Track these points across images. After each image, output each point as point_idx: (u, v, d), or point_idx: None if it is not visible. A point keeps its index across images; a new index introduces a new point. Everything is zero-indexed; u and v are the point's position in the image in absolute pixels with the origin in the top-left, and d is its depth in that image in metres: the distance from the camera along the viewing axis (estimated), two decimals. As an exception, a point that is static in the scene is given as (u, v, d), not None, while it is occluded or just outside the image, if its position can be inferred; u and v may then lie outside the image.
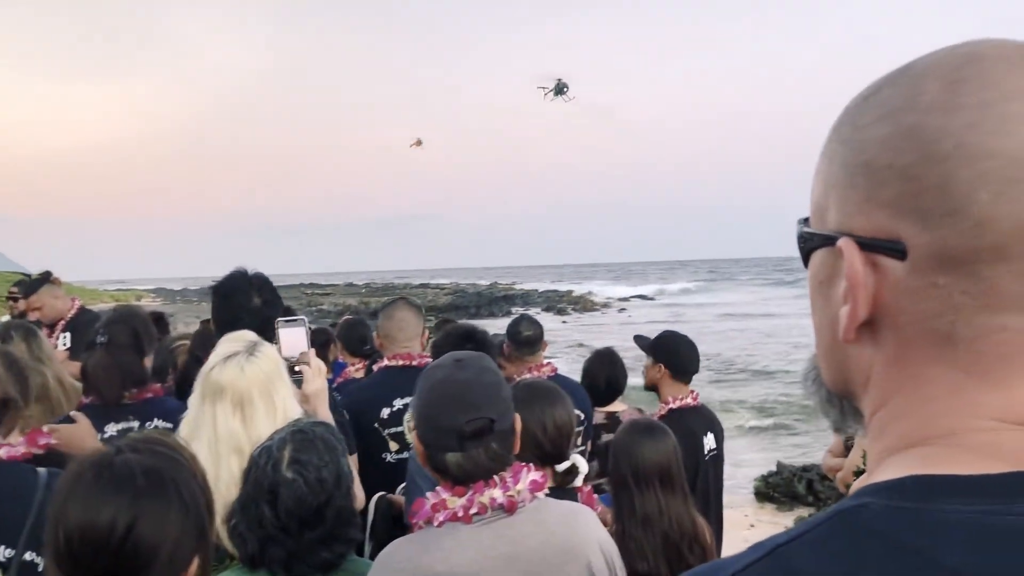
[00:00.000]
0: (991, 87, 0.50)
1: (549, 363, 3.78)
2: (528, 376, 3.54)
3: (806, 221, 0.60)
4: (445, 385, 1.65)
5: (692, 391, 3.45)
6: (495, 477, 1.63)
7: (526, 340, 3.71)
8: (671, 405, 3.39)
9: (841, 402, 0.63)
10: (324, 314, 28.73)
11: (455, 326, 3.31)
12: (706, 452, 3.34)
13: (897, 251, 0.52)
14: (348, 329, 4.99)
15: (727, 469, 3.82)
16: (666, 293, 51.35)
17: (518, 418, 1.73)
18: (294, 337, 2.38)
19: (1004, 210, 0.49)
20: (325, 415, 2.28)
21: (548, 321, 30.53)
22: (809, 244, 0.59)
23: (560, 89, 36.54)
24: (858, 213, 0.54)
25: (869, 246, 0.53)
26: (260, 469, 1.66)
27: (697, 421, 3.37)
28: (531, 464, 1.73)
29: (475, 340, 2.93)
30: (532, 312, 30.61)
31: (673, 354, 3.47)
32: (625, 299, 46.04)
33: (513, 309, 33.39)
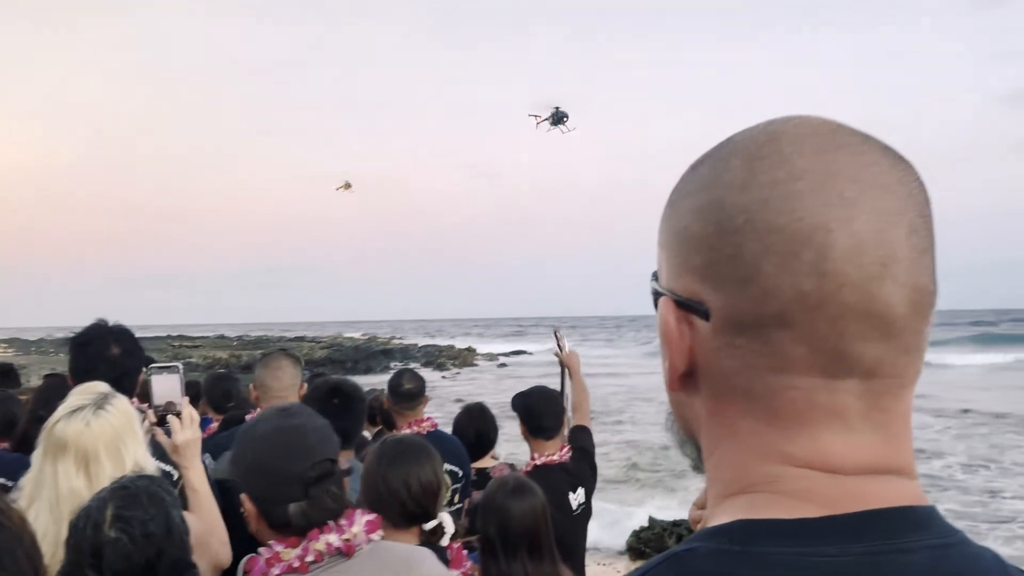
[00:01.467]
0: (782, 166, 0.55)
1: (429, 418, 3.74)
2: (408, 431, 3.50)
3: (655, 276, 0.64)
4: (279, 434, 1.63)
5: (563, 446, 3.45)
6: (329, 522, 1.60)
7: (407, 393, 3.67)
8: (535, 462, 3.38)
9: (696, 444, 0.67)
10: (192, 367, 27.52)
11: (322, 380, 3.24)
12: (573, 509, 3.35)
13: (702, 312, 0.57)
14: (213, 384, 4.80)
15: (600, 525, 3.85)
16: (549, 349, 51.82)
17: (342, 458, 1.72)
18: (167, 385, 2.29)
19: (785, 281, 0.53)
20: (195, 468, 2.20)
21: (428, 376, 30.20)
22: (654, 298, 0.63)
23: (559, 118, 34.82)
24: (677, 275, 0.59)
25: (683, 305, 0.59)
26: (80, 533, 1.57)
27: (562, 478, 3.36)
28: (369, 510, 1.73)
29: (342, 394, 2.88)
30: (412, 367, 30.31)
31: (527, 411, 3.47)
32: (507, 354, 46.31)
33: (392, 364, 32.98)
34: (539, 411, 3.44)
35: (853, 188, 0.54)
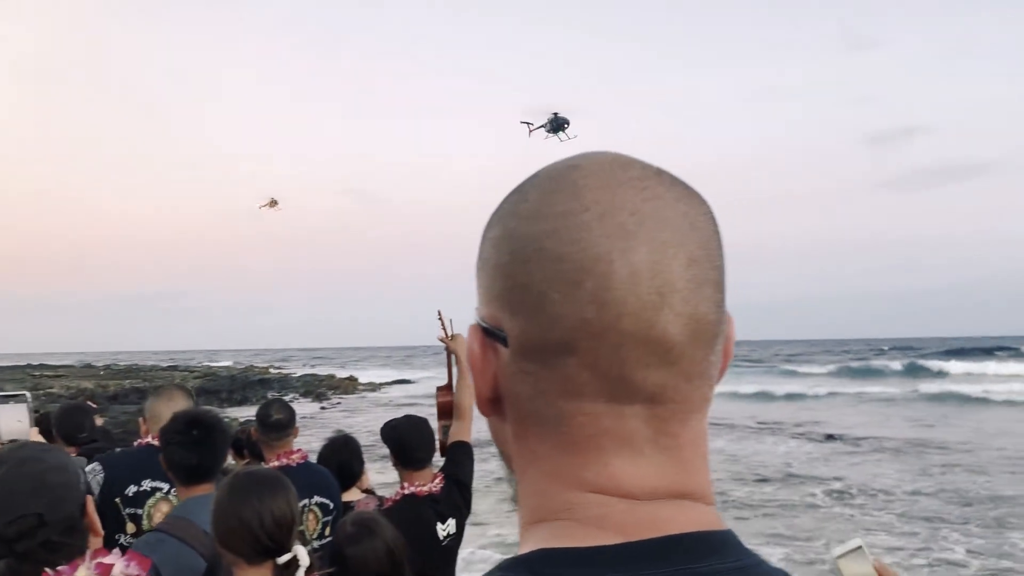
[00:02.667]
0: (574, 199, 0.57)
1: (299, 450, 3.64)
2: (277, 463, 3.39)
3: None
4: None
5: (435, 475, 3.40)
6: (47, 570, 1.53)
7: (275, 424, 3.57)
8: (404, 492, 3.33)
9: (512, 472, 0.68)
10: (54, 398, 25.88)
11: (182, 412, 3.11)
12: (441, 540, 3.30)
13: (502, 339, 0.59)
14: (65, 415, 4.51)
15: (478, 556, 3.81)
16: (433, 378, 51.63)
17: (90, 499, 1.65)
18: (8, 415, 2.17)
19: (569, 309, 0.55)
20: None
21: (306, 406, 29.60)
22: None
23: (558, 125, 31.05)
24: (484, 303, 0.61)
25: (488, 332, 0.60)
26: None
27: (431, 509, 3.31)
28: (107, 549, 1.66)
29: (202, 426, 2.76)
30: (290, 397, 29.55)
31: (396, 442, 3.42)
32: (389, 383, 45.79)
33: (269, 394, 31.99)
34: (408, 442, 3.39)
35: (633, 220, 0.56)
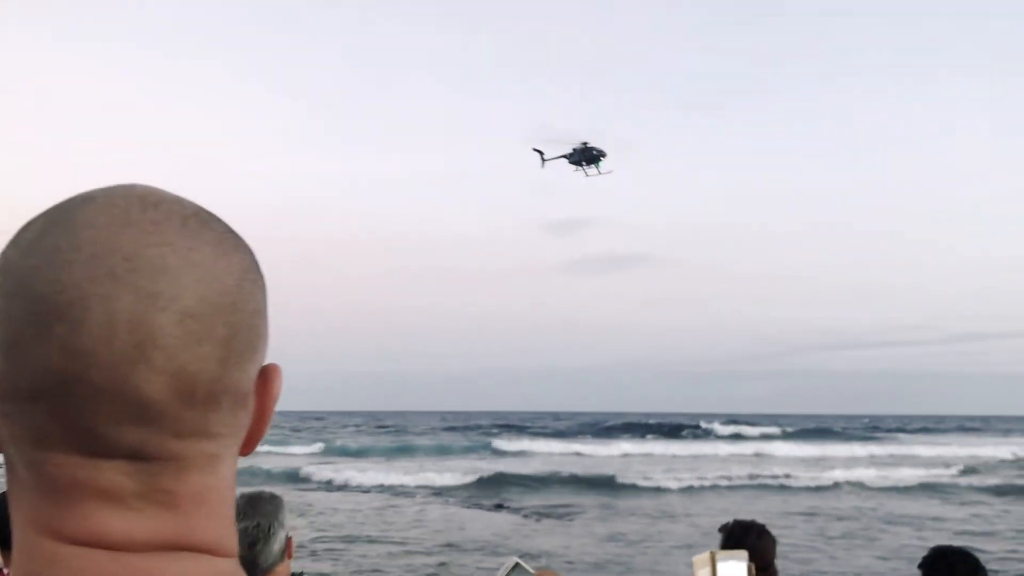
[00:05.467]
0: (70, 234, 0.53)
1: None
2: None
3: None
4: None
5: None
6: None
7: None
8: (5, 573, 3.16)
9: None
10: None
11: None
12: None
13: None
14: None
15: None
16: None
17: None
18: None
19: (39, 354, 0.51)
20: None
21: None
22: None
23: (591, 158, 24.98)
24: None
25: None
26: None
27: None
28: None
29: None
30: None
31: None
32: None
33: None
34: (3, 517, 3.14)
35: (125, 266, 0.52)
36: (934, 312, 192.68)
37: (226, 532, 0.59)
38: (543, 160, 25.69)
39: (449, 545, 15.24)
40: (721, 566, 2.45)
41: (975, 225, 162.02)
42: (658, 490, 23.34)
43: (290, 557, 2.62)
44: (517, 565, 2.23)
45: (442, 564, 13.56)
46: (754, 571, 2.51)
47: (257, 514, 2.49)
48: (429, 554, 14.37)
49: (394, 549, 14.76)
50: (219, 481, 0.58)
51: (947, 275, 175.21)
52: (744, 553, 2.52)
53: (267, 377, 0.60)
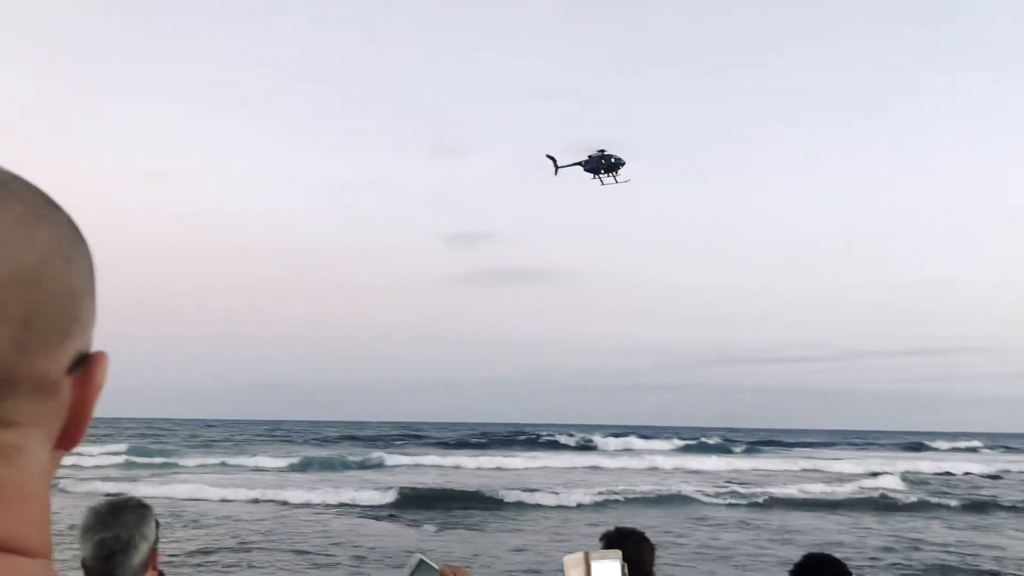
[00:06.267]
0: None
1: None
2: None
3: None
4: None
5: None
6: None
7: None
8: None
9: None
10: None
11: None
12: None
13: None
14: None
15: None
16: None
17: None
18: None
19: None
20: None
21: None
22: None
23: (610, 165, 24.18)
24: None
25: None
26: None
27: None
28: None
29: None
30: None
31: None
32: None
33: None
34: None
35: None
36: (825, 331, 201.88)
37: (30, 530, 0.53)
38: (556, 167, 24.79)
39: (331, 555, 15.04)
40: (595, 565, 2.45)
41: (868, 249, 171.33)
42: (539, 506, 23.39)
43: (154, 569, 2.50)
44: (421, 562, 2.19)
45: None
46: (627, 571, 2.54)
47: (118, 524, 2.37)
48: (319, 567, 14.10)
49: (284, 560, 14.46)
50: (21, 474, 0.53)
51: (838, 296, 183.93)
52: (618, 553, 2.55)
53: (88, 366, 0.55)
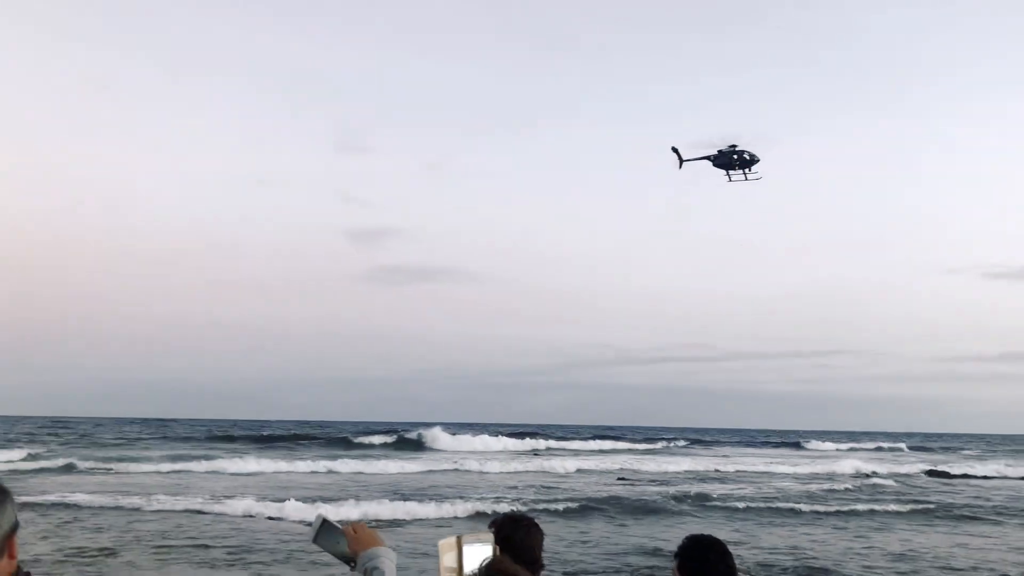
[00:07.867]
0: None
1: None
2: None
3: None
4: None
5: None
6: None
7: None
8: None
9: None
10: None
11: None
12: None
13: None
14: None
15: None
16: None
17: None
18: None
19: None
20: None
21: None
22: None
23: (744, 161, 22.43)
24: None
25: None
26: None
27: None
28: None
29: None
30: None
31: None
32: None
33: None
34: None
35: None
36: (707, 333, 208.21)
37: None
38: (680, 161, 22.98)
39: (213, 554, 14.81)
40: (467, 549, 2.50)
41: (747, 258, 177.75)
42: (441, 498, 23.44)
43: (12, 558, 2.40)
44: (325, 522, 2.17)
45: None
46: (499, 552, 2.59)
47: None
48: (214, 567, 13.97)
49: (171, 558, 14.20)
50: None
51: (718, 300, 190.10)
52: (490, 536, 2.61)
53: None
